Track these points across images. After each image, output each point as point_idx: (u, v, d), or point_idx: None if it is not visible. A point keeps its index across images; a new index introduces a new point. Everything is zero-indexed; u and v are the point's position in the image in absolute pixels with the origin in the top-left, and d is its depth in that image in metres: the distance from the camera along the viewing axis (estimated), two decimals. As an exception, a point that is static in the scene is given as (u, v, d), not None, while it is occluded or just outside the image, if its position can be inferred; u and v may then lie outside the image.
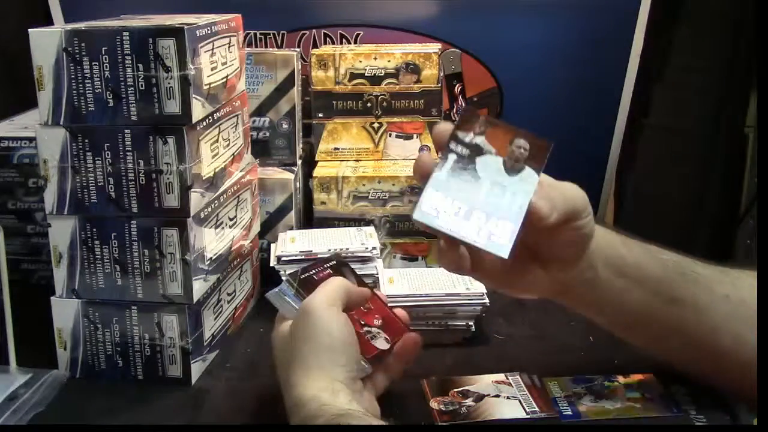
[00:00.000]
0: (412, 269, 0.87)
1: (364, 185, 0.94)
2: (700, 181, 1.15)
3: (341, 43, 1.09)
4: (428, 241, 0.94)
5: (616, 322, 0.66)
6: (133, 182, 0.70)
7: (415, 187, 0.57)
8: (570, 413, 0.67)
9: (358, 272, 0.75)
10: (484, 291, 0.78)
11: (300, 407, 0.57)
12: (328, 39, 1.09)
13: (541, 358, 0.76)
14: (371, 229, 0.89)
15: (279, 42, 1.10)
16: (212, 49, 0.74)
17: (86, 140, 0.70)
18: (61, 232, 0.72)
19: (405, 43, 1.05)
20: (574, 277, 0.61)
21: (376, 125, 0.98)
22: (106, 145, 0.69)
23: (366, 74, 0.98)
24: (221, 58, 0.77)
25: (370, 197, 0.94)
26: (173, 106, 0.69)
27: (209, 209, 0.75)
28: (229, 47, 0.79)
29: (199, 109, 0.71)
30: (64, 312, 0.73)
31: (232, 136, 0.82)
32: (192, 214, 0.71)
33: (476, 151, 0.56)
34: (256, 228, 0.91)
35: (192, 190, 0.71)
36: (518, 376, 0.71)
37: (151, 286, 0.72)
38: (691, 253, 0.65)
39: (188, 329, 0.72)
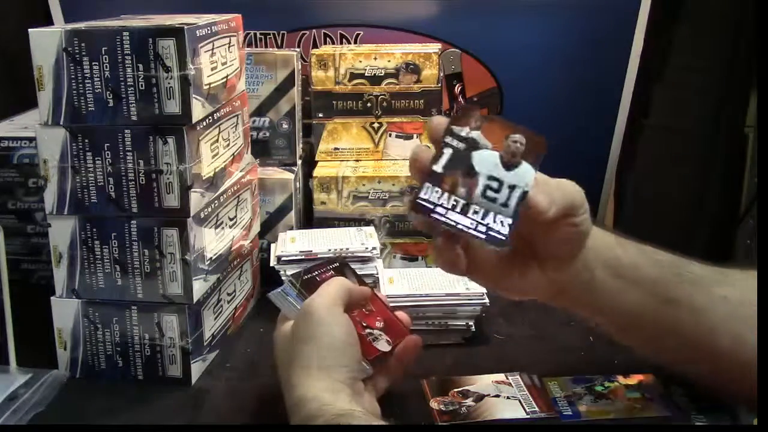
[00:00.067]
0: (412, 269, 0.87)
1: (364, 185, 0.94)
2: (700, 181, 1.15)
3: (341, 43, 1.09)
4: (428, 241, 0.94)
5: (612, 324, 0.65)
6: (133, 182, 0.70)
7: (415, 188, 0.56)
8: (570, 413, 0.67)
9: (358, 272, 0.75)
10: (484, 291, 0.78)
11: (301, 407, 0.57)
12: (328, 39, 1.09)
13: (541, 358, 0.76)
14: (371, 229, 0.89)
15: (279, 42, 1.10)
16: (212, 49, 0.74)
17: (86, 140, 0.70)
18: (61, 232, 0.72)
19: (405, 43, 1.05)
20: (570, 278, 0.60)
21: (376, 125, 0.98)
22: (106, 145, 0.69)
23: (366, 74, 0.98)
24: (221, 58, 0.77)
25: (370, 197, 0.94)
26: (173, 106, 0.69)
27: (209, 209, 0.75)
28: (229, 47, 0.79)
29: (199, 109, 0.71)
30: (64, 312, 0.73)
31: (232, 136, 0.82)
32: (192, 214, 0.71)
33: (472, 145, 0.56)
34: (256, 228, 0.91)
35: (192, 190, 0.71)
36: (518, 376, 0.71)
37: (151, 286, 0.72)
38: (692, 253, 0.64)
39: (188, 329, 0.72)
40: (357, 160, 0.99)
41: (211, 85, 0.74)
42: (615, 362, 0.74)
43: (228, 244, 0.81)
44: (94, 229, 0.71)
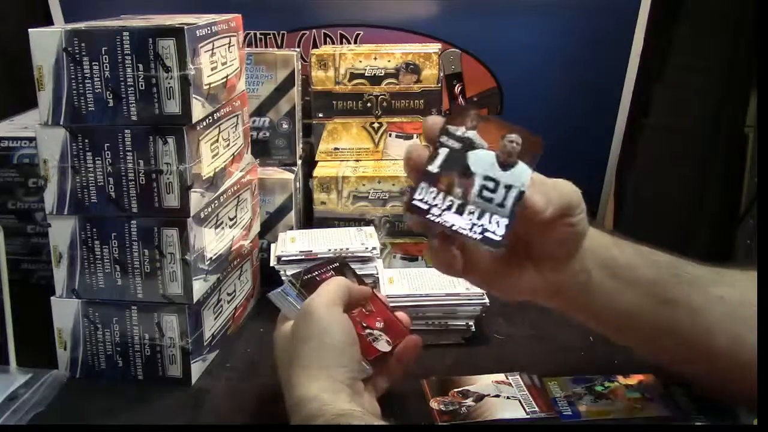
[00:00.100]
0: (412, 269, 0.87)
1: (364, 185, 0.94)
2: (700, 181, 1.15)
3: (341, 43, 1.09)
4: (427, 241, 0.94)
5: (609, 325, 0.65)
6: (133, 182, 0.70)
7: (410, 188, 0.56)
8: (570, 413, 0.67)
9: (358, 272, 0.75)
10: (484, 291, 0.78)
11: (301, 407, 0.57)
12: (328, 39, 1.09)
13: (541, 358, 0.76)
14: (371, 229, 0.89)
15: (279, 42, 1.10)
16: (212, 49, 0.74)
17: (86, 140, 0.70)
18: (61, 232, 0.72)
19: (405, 43, 1.05)
20: (566, 278, 0.60)
21: (376, 125, 0.99)
22: (106, 145, 0.69)
23: (366, 74, 0.98)
24: (221, 58, 0.77)
25: (370, 197, 0.94)
26: (173, 106, 0.69)
27: (209, 209, 0.75)
28: (229, 47, 0.79)
29: (199, 109, 0.71)
30: (64, 312, 0.73)
31: (232, 136, 0.82)
32: (192, 214, 0.71)
33: (468, 145, 0.55)
34: (256, 228, 0.91)
35: (192, 190, 0.71)
36: (518, 376, 0.71)
37: (151, 286, 0.72)
38: (692, 253, 0.64)
39: (188, 329, 0.72)
40: (357, 160, 0.99)
41: (211, 85, 0.74)
42: (615, 362, 0.74)
43: (228, 244, 0.81)
44: (94, 229, 0.71)
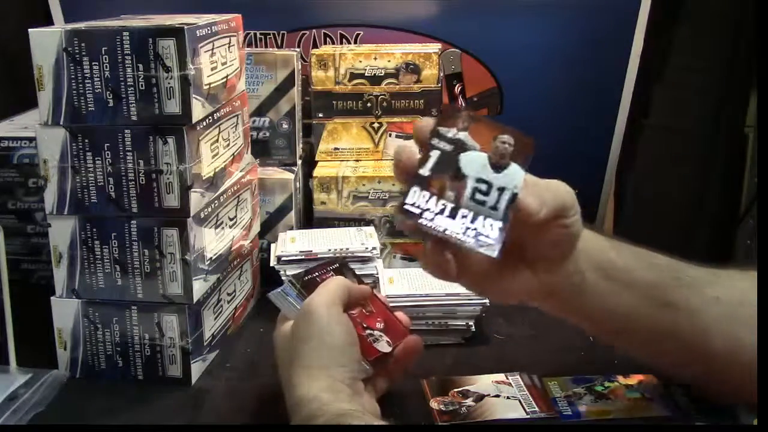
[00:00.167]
0: (412, 269, 0.87)
1: (364, 185, 0.94)
2: (700, 181, 1.15)
3: (341, 43, 1.09)
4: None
5: (604, 328, 0.64)
6: (133, 182, 0.70)
7: (401, 192, 0.55)
8: (570, 413, 0.67)
9: (358, 272, 0.75)
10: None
11: (301, 407, 0.57)
12: (328, 39, 1.09)
13: (541, 358, 0.76)
14: (371, 229, 0.89)
15: (279, 42, 1.10)
16: (212, 49, 0.74)
17: (86, 140, 0.70)
18: (61, 232, 0.72)
19: (405, 43, 1.05)
20: (560, 280, 0.59)
21: (376, 125, 0.99)
22: (106, 145, 0.69)
23: (366, 74, 0.98)
24: (221, 58, 0.77)
25: (370, 197, 0.94)
26: (173, 106, 0.69)
27: (209, 209, 0.75)
28: (229, 47, 0.79)
29: (199, 109, 0.71)
30: (64, 312, 0.73)
31: (232, 136, 0.82)
32: (192, 214, 0.71)
33: (460, 146, 0.54)
34: (256, 228, 0.91)
35: (192, 190, 0.71)
36: (518, 376, 0.71)
37: (151, 286, 0.72)
38: (692, 253, 0.64)
39: (188, 329, 0.72)
40: (357, 160, 0.99)
41: (211, 85, 0.74)
42: (615, 362, 0.74)
43: (228, 244, 0.81)
44: (94, 229, 0.71)
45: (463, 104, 1.10)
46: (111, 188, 0.70)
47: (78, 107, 0.69)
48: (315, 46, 1.08)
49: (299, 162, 0.99)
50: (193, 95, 0.69)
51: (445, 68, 1.08)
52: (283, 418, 0.60)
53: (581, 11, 1.06)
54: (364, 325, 0.66)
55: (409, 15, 1.08)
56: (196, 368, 0.74)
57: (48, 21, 1.08)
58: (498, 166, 0.54)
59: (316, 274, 0.70)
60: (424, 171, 0.54)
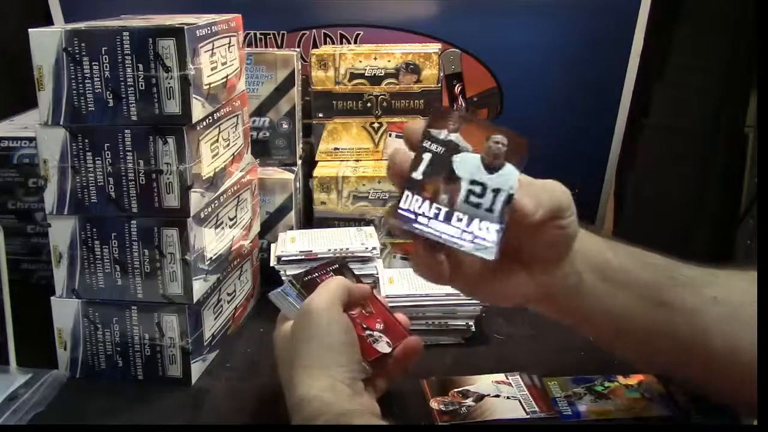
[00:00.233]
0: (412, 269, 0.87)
1: (364, 185, 0.94)
2: (700, 181, 1.15)
3: (341, 43, 1.09)
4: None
5: (601, 329, 0.64)
6: (133, 182, 0.70)
7: (394, 196, 0.54)
8: (570, 413, 0.67)
9: (358, 272, 0.75)
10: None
11: (302, 406, 0.57)
12: (328, 39, 1.09)
13: (541, 358, 0.76)
14: (371, 229, 0.89)
15: (279, 42, 1.10)
16: (212, 49, 0.74)
17: (86, 140, 0.70)
18: (61, 232, 0.72)
19: (405, 43, 1.05)
20: (557, 281, 0.59)
21: (376, 125, 0.99)
22: (106, 145, 0.69)
23: (366, 74, 0.98)
24: (221, 58, 0.77)
25: (370, 197, 0.94)
26: (173, 106, 0.69)
27: (209, 209, 0.75)
28: (229, 47, 0.79)
29: (199, 109, 0.71)
30: (64, 312, 0.73)
31: (232, 136, 0.82)
32: (192, 214, 0.71)
33: (452, 148, 0.53)
34: (256, 228, 0.91)
35: (192, 190, 0.71)
36: (518, 376, 0.71)
37: (151, 286, 0.72)
38: (692, 253, 0.64)
39: (188, 329, 0.72)
40: (357, 160, 0.99)
41: (211, 85, 0.74)
42: (615, 362, 0.73)
43: (228, 244, 0.81)
44: (94, 229, 0.71)
45: (463, 104, 1.11)
46: (111, 188, 0.70)
47: (78, 107, 0.69)
48: (315, 46, 1.08)
49: (299, 162, 0.99)
50: (193, 95, 0.69)
51: (445, 68, 1.08)
52: (283, 418, 0.60)
53: (581, 11, 1.06)
54: (364, 326, 0.66)
55: (409, 15, 1.08)
56: (196, 368, 0.75)
57: (48, 21, 1.08)
58: (492, 167, 0.53)
59: (316, 274, 0.70)
60: (417, 174, 0.53)
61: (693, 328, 0.60)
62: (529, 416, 0.66)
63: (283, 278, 0.80)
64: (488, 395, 0.69)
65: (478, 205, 0.52)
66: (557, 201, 0.55)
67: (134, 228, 0.71)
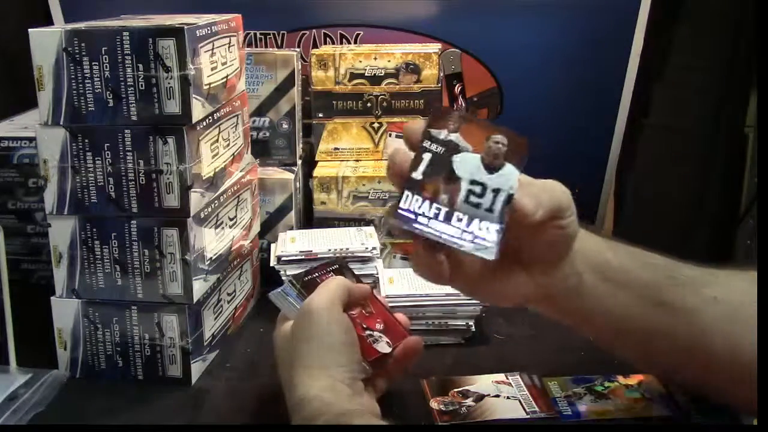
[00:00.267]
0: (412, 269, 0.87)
1: (364, 185, 0.94)
2: (700, 181, 1.15)
3: (341, 43, 1.09)
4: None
5: (602, 329, 0.64)
6: (133, 182, 0.70)
7: (394, 196, 0.54)
8: (570, 413, 0.67)
9: (358, 272, 0.75)
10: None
11: (302, 406, 0.57)
12: (328, 39, 1.09)
13: (541, 358, 0.76)
14: (371, 229, 0.89)
15: (279, 42, 1.10)
16: (212, 49, 0.74)
17: (86, 140, 0.70)
18: (61, 232, 0.72)
19: (405, 43, 1.05)
20: (557, 282, 0.59)
21: (376, 125, 0.99)
22: (106, 145, 0.69)
23: (366, 74, 0.98)
24: (221, 58, 0.77)
25: (370, 197, 0.94)
26: (173, 106, 0.69)
27: (209, 209, 0.75)
28: (229, 47, 0.79)
29: (199, 109, 0.71)
30: (64, 312, 0.73)
31: (232, 136, 0.82)
32: (192, 214, 0.71)
33: (452, 148, 0.53)
34: (256, 228, 0.91)
35: (192, 190, 0.71)
36: (518, 376, 0.71)
37: (151, 286, 0.72)
38: (692, 253, 0.64)
39: (188, 329, 0.72)
40: (357, 160, 0.99)
41: (211, 85, 0.74)
42: (615, 362, 0.73)
43: (228, 244, 0.81)
44: (94, 229, 0.71)
45: (463, 104, 1.11)
46: (111, 188, 0.70)
47: (78, 107, 0.69)
48: (315, 46, 1.08)
49: (299, 162, 0.99)
50: (193, 95, 0.69)
51: (445, 68, 1.08)
52: (283, 418, 0.60)
53: (581, 11, 1.06)
54: (364, 326, 0.66)
55: (409, 15, 1.08)
56: (196, 368, 0.75)
57: (48, 21, 1.08)
58: (492, 167, 0.53)
59: (316, 274, 0.70)
60: (417, 174, 0.53)
61: (693, 328, 0.60)
62: (529, 416, 0.66)
63: (283, 278, 0.80)
64: (488, 395, 0.69)
65: (478, 205, 0.52)
66: (557, 201, 0.55)
67: (134, 228, 0.71)
